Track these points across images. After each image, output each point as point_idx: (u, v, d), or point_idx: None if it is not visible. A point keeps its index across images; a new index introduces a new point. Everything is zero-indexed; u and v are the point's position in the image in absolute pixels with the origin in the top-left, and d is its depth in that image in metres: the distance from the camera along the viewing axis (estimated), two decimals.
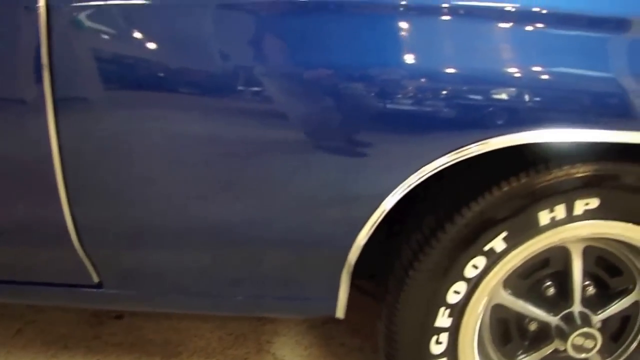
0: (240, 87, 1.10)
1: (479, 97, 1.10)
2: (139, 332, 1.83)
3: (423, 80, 1.09)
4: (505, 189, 1.22)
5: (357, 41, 1.09)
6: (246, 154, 1.16)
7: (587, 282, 1.41)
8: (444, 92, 1.09)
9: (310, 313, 1.39)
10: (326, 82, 1.10)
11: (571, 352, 1.38)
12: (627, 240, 1.33)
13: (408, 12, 1.09)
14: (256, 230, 1.25)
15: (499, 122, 1.10)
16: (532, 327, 1.43)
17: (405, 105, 1.10)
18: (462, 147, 1.12)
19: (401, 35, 1.11)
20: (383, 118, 1.11)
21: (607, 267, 1.42)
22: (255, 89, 1.10)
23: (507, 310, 1.42)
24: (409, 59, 1.11)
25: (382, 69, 1.10)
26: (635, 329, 1.48)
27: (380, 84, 1.10)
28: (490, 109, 1.10)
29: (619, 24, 1.11)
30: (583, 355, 1.39)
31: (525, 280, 1.41)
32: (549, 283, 1.41)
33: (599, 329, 1.41)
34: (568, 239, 1.30)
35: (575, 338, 1.37)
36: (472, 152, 1.12)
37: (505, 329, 1.45)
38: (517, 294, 1.41)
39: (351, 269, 1.26)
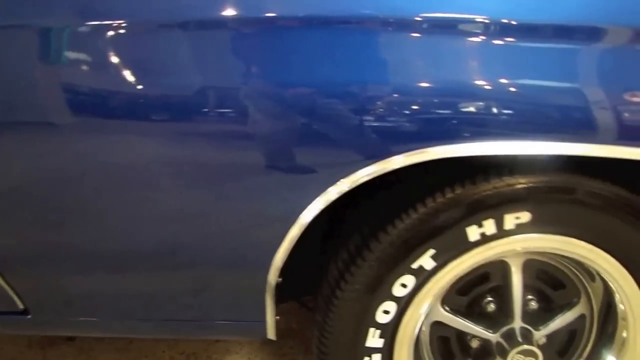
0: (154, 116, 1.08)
1: (384, 112, 1.06)
2: (90, 353, 1.81)
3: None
4: (431, 205, 1.19)
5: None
6: (161, 177, 1.13)
7: (529, 297, 1.37)
8: (349, 107, 1.06)
9: (242, 335, 1.36)
10: (234, 102, 1.07)
11: None
12: (565, 253, 1.28)
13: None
14: (179, 255, 1.22)
15: (405, 138, 1.07)
16: (474, 344, 1.40)
17: (314, 121, 1.07)
18: (373, 162, 1.09)
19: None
20: (292, 132, 1.08)
21: (550, 281, 1.38)
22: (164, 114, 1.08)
23: (447, 327, 1.38)
24: (318, 73, 1.07)
25: (291, 85, 1.07)
26: (582, 343, 1.44)
27: (290, 98, 1.07)
28: (400, 123, 1.07)
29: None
30: None
31: (465, 297, 1.37)
32: (489, 299, 1.37)
33: (542, 345, 1.38)
34: (502, 254, 1.27)
35: (515, 355, 1.33)
36: (381, 169, 1.09)
37: (448, 346, 1.42)
38: (457, 310, 1.37)
39: (273, 290, 1.22)
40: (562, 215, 1.21)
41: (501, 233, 1.21)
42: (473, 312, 1.38)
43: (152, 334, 1.40)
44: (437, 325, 1.38)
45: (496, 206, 1.19)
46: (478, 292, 1.37)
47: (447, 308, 1.37)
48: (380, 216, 1.24)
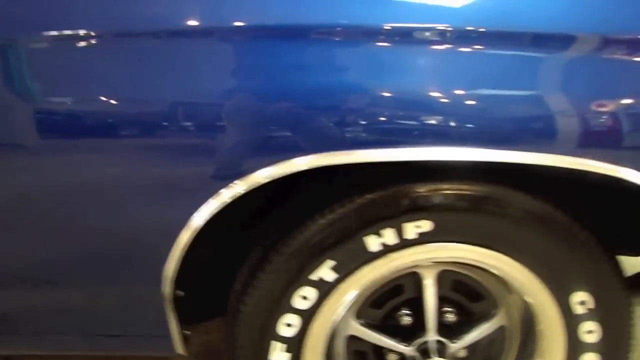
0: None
1: (278, 116, 1.06)
2: None
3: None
4: (328, 215, 1.18)
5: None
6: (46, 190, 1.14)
7: (446, 309, 1.35)
8: (243, 111, 1.06)
9: (152, 350, 1.34)
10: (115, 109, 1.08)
11: None
12: (473, 263, 1.26)
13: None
14: (75, 268, 1.22)
15: (300, 142, 1.07)
16: (392, 358, 1.37)
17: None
18: (270, 164, 1.08)
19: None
20: (181, 133, 1.08)
21: (467, 293, 1.36)
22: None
23: (363, 341, 1.36)
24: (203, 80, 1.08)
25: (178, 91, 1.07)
26: (503, 354, 1.41)
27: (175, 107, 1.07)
28: (293, 127, 1.07)
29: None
30: None
31: (380, 310, 1.35)
32: (404, 311, 1.35)
33: (462, 358, 1.35)
34: (409, 264, 1.25)
35: None
36: (279, 172, 1.08)
37: None
38: (371, 324, 1.35)
39: (172, 302, 1.22)
40: (465, 223, 1.19)
41: (403, 243, 1.19)
42: (388, 325, 1.35)
43: (67, 349, 1.40)
44: (352, 340, 1.36)
45: (394, 215, 1.17)
46: (393, 305, 1.35)
47: (361, 321, 1.34)
48: (281, 227, 1.23)
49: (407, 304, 1.35)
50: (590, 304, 1.26)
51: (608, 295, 1.26)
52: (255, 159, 1.09)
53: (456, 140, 1.08)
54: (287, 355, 1.27)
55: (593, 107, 1.08)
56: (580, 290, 1.25)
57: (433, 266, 1.30)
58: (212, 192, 1.09)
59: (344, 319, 1.33)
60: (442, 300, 1.34)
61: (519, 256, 1.23)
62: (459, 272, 1.33)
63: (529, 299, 1.29)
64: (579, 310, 1.26)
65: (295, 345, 1.26)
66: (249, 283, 1.23)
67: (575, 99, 1.08)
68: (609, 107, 1.09)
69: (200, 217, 1.11)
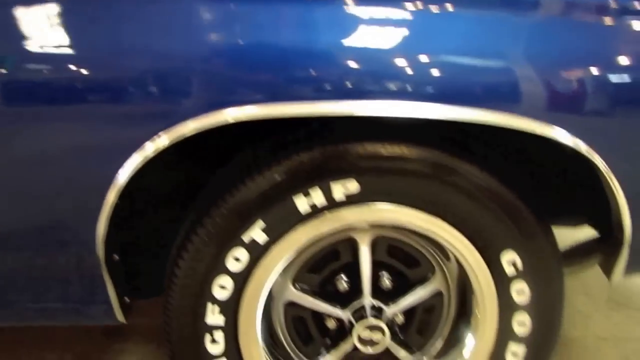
0: None
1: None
2: None
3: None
4: (257, 177, 1.21)
5: None
6: None
7: (382, 274, 1.38)
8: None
9: (95, 319, 1.36)
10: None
11: (359, 346, 1.35)
12: (403, 224, 1.29)
13: None
14: (10, 236, 1.25)
15: (225, 94, 1.11)
16: (331, 324, 1.40)
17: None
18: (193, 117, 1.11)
19: None
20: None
21: (403, 258, 1.39)
22: None
23: (301, 308, 1.39)
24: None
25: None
26: (442, 321, 1.44)
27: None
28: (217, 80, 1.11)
29: None
30: (376, 349, 1.36)
31: (317, 275, 1.38)
32: (341, 276, 1.38)
33: (400, 324, 1.39)
34: (339, 227, 1.27)
35: (361, 331, 1.34)
36: (204, 125, 1.11)
37: (306, 328, 1.42)
38: (309, 289, 1.38)
39: (106, 267, 1.24)
40: (391, 184, 1.23)
41: (332, 204, 1.23)
42: (327, 291, 1.39)
43: (5, 320, 1.42)
44: (291, 306, 1.39)
45: (322, 175, 1.21)
46: (330, 271, 1.38)
47: (298, 287, 1.38)
48: (213, 190, 1.27)
49: (344, 269, 1.38)
50: (520, 264, 1.29)
51: (536, 255, 1.29)
52: (176, 111, 1.12)
53: (383, 94, 1.12)
54: (222, 318, 1.30)
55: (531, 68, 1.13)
56: (510, 250, 1.28)
57: (368, 231, 1.34)
58: (135, 146, 1.12)
59: (282, 284, 1.37)
60: (380, 266, 1.38)
61: (447, 217, 1.26)
62: (394, 238, 1.36)
63: (461, 260, 1.31)
64: (510, 270, 1.30)
65: (229, 307, 1.29)
66: (184, 246, 1.26)
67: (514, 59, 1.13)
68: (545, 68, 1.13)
69: (124, 173, 1.14)
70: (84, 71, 1.10)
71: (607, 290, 2.19)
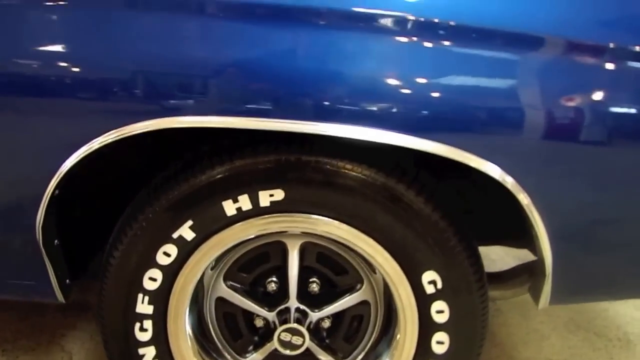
0: None
1: (117, 90, 1.25)
2: None
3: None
4: (190, 178, 1.36)
5: None
6: None
7: (312, 279, 1.53)
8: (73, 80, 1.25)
9: (40, 297, 1.53)
10: None
11: (279, 348, 1.50)
12: (326, 235, 1.41)
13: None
14: None
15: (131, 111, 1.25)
16: (259, 323, 1.56)
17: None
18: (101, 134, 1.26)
19: None
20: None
21: (334, 266, 1.53)
22: None
23: (231, 304, 1.54)
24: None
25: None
26: (369, 329, 1.58)
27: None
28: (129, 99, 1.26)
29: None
30: (296, 352, 1.51)
31: (248, 275, 1.54)
32: (273, 278, 1.53)
33: (327, 328, 1.54)
34: (263, 231, 1.42)
35: (282, 333, 1.49)
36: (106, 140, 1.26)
37: (236, 323, 1.58)
38: (240, 287, 1.53)
39: (44, 249, 1.41)
40: (317, 195, 1.36)
41: (257, 210, 1.37)
42: (257, 291, 1.54)
43: None
44: (221, 301, 1.55)
45: (251, 183, 1.35)
46: (260, 271, 1.53)
47: (229, 284, 1.53)
48: (150, 187, 1.42)
49: (275, 272, 1.53)
50: (440, 284, 1.41)
51: (457, 276, 1.41)
52: (118, 114, 1.27)
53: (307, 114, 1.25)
54: (151, 307, 1.46)
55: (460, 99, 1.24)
56: (431, 270, 1.40)
57: (298, 237, 1.48)
58: (76, 144, 1.27)
59: (214, 280, 1.52)
60: (310, 271, 1.52)
61: (369, 232, 1.39)
62: (323, 246, 1.50)
63: (384, 275, 1.45)
64: (430, 289, 1.42)
65: (159, 298, 1.45)
66: (119, 239, 1.42)
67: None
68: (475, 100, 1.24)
69: (65, 166, 1.29)
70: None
71: (568, 311, 2.31)
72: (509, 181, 1.27)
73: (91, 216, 1.53)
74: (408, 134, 1.24)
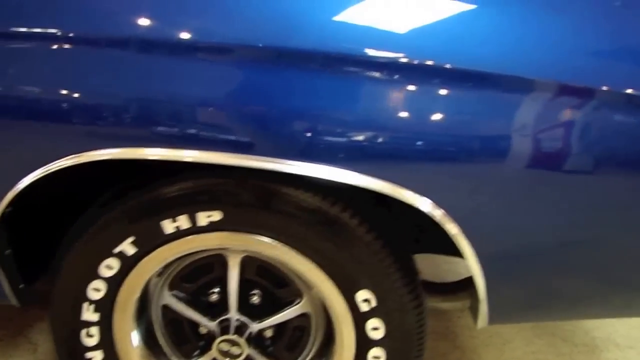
0: None
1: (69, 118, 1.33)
2: None
3: None
4: (131, 197, 1.45)
5: None
6: None
7: (254, 291, 1.62)
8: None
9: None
10: None
11: (219, 357, 1.60)
12: (269, 256, 1.51)
13: None
14: None
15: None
16: (203, 331, 1.66)
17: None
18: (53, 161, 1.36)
19: None
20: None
21: (275, 278, 1.62)
22: None
23: (176, 312, 1.65)
24: None
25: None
26: (310, 340, 1.67)
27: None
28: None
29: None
30: None
31: (192, 285, 1.63)
32: (215, 289, 1.63)
33: (269, 337, 1.64)
34: (202, 247, 1.51)
35: (220, 344, 1.59)
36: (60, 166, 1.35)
37: (182, 330, 1.68)
38: (184, 296, 1.63)
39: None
40: (251, 217, 1.44)
41: (196, 229, 1.46)
42: (200, 300, 1.64)
43: None
44: (167, 309, 1.65)
45: (189, 204, 1.44)
46: (204, 282, 1.63)
47: (173, 293, 1.63)
48: (97, 203, 1.51)
49: (218, 282, 1.62)
50: (374, 301, 1.50)
51: (391, 295, 1.49)
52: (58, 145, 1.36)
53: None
54: (97, 315, 1.56)
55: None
56: (364, 289, 1.48)
57: (239, 251, 1.57)
58: (37, 164, 1.37)
59: (160, 288, 1.62)
60: (252, 283, 1.61)
61: (305, 252, 1.47)
62: (263, 260, 1.58)
63: (320, 293, 1.53)
64: (364, 307, 1.51)
65: (104, 307, 1.56)
66: (67, 250, 1.52)
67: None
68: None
69: (19, 187, 1.39)
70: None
71: None
72: (437, 214, 1.34)
73: (47, 224, 1.63)
74: (337, 168, 1.32)
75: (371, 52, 1.27)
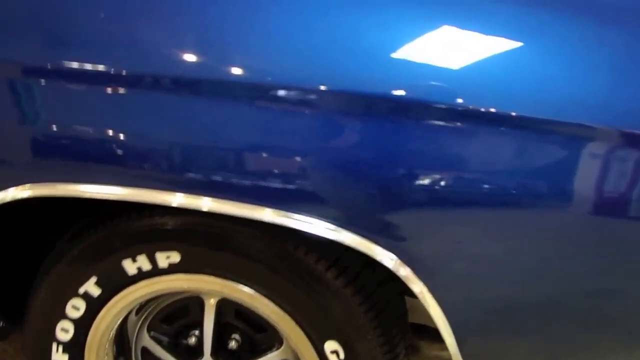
0: None
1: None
2: None
3: None
4: (91, 235, 1.42)
5: None
6: None
7: (233, 335, 1.55)
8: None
9: None
10: None
11: None
12: (234, 300, 1.44)
13: None
14: None
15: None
16: None
17: None
18: None
19: None
20: None
21: (254, 323, 1.54)
22: None
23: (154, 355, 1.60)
24: None
25: None
26: None
27: None
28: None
29: None
30: None
31: (170, 326, 1.58)
32: (195, 332, 1.57)
33: None
34: (169, 289, 1.46)
35: None
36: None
37: None
38: (162, 338, 1.59)
39: None
40: (212, 258, 1.38)
41: (157, 270, 1.41)
42: (179, 342, 1.58)
43: None
44: (145, 351, 1.61)
45: (147, 242, 1.39)
46: (182, 324, 1.58)
47: (152, 334, 1.58)
48: (63, 240, 1.49)
49: (197, 325, 1.56)
50: (342, 354, 1.40)
51: (361, 349, 1.40)
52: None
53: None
54: (66, 356, 1.54)
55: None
56: (333, 340, 1.40)
57: (214, 293, 1.50)
58: None
59: (138, 328, 1.58)
60: (231, 327, 1.54)
61: (271, 296, 1.39)
62: (240, 304, 1.50)
63: (289, 340, 1.45)
64: (332, 358, 1.42)
65: (73, 348, 1.53)
66: (36, 291, 1.51)
67: None
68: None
69: None
70: None
71: None
72: (403, 273, 1.25)
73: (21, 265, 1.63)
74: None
75: None
